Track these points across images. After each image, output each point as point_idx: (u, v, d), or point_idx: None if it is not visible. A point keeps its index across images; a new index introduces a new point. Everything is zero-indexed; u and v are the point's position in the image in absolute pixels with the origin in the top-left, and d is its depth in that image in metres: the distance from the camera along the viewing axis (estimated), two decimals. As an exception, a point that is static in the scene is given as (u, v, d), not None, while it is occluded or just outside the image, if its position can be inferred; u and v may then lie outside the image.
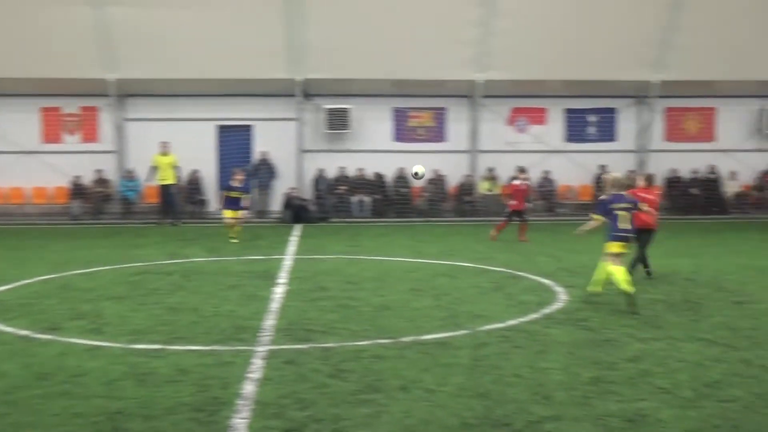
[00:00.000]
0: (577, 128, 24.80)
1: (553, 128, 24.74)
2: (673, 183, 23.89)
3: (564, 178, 24.38)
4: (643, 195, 12.86)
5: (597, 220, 10.51)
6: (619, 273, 9.95)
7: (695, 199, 24.05)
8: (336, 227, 21.46)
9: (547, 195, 24.13)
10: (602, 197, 10.73)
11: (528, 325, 9.11)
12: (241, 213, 17.81)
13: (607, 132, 24.95)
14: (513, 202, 17.52)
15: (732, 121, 24.97)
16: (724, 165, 24.79)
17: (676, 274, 12.66)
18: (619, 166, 24.27)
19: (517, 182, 17.77)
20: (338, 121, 23.56)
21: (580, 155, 24.32)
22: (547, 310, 9.90)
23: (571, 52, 22.04)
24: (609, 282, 10.28)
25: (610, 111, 24.89)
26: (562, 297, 10.76)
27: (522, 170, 18.10)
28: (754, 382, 6.88)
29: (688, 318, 9.49)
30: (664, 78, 23.32)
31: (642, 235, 12.77)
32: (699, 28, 21.69)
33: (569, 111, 24.76)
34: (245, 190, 18.02)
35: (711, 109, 25.07)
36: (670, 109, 24.86)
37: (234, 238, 17.35)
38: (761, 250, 16.29)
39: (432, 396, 6.49)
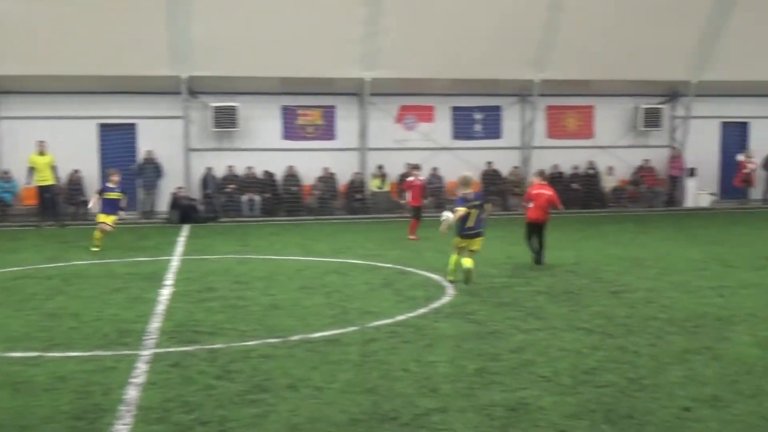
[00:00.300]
0: (463, 126, 25.28)
1: (441, 126, 25.12)
2: (555, 178, 24.69)
3: (452, 175, 24.47)
4: (538, 191, 13.49)
5: (459, 212, 11.23)
6: (453, 263, 11.64)
7: (576, 193, 24.97)
8: (225, 227, 21.12)
9: (435, 192, 24.50)
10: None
11: (416, 319, 9.25)
12: (116, 216, 16.29)
13: (492, 129, 25.55)
14: (407, 199, 17.68)
15: (609, 118, 26.05)
16: (602, 161, 25.86)
17: (558, 266, 13.12)
18: (504, 163, 25.23)
19: (411, 178, 17.93)
20: (226, 119, 23.16)
21: (467, 152, 24.77)
22: (435, 305, 10.08)
23: (456, 51, 22.41)
24: (467, 270, 11.12)
25: (496, 109, 25.49)
26: (450, 291, 10.98)
27: (415, 167, 18.33)
28: (629, 368, 7.22)
29: (569, 308, 9.87)
30: (545, 77, 24.08)
31: (533, 228, 13.38)
32: (577, 30, 22.51)
33: (456, 109, 25.21)
34: (123, 190, 16.90)
35: (589, 107, 26.07)
36: (551, 107, 25.68)
37: (97, 247, 15.72)
38: (637, 241, 17.06)
39: (320, 393, 6.51)
